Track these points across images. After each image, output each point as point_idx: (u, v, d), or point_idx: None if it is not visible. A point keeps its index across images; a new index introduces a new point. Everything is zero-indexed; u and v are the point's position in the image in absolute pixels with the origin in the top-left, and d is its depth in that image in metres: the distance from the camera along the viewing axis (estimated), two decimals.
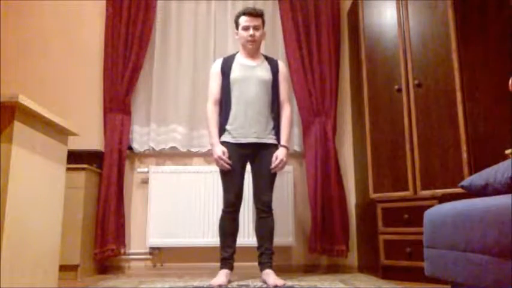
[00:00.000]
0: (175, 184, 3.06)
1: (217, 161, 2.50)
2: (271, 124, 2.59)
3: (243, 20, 2.60)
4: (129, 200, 3.17)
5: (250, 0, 3.38)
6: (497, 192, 1.61)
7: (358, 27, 3.01)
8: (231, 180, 2.51)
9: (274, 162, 2.51)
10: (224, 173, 2.53)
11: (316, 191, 3.03)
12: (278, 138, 2.61)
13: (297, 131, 3.28)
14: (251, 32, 2.58)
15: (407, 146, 2.61)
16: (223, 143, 2.54)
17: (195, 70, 3.30)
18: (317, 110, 3.17)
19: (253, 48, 2.62)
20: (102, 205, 2.96)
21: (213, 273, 2.84)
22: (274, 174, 2.58)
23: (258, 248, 2.54)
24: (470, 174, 2.34)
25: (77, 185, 2.78)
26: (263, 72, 2.62)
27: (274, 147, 2.58)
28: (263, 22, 2.66)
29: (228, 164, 2.48)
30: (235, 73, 2.59)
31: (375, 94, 2.82)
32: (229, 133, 2.55)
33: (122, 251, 2.98)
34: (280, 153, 2.53)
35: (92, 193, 2.96)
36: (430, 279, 2.34)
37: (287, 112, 2.65)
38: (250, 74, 2.59)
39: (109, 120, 3.12)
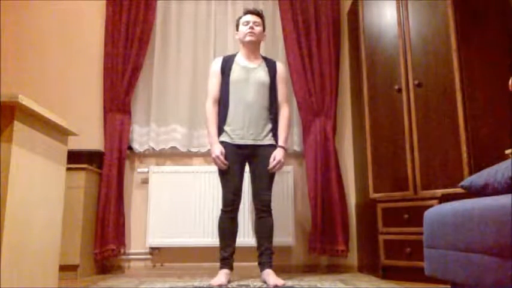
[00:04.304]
0: (175, 184, 3.06)
1: (214, 160, 2.51)
2: (269, 126, 2.60)
3: (244, 18, 2.68)
4: (129, 200, 3.17)
5: (251, 0, 3.39)
6: (497, 192, 1.61)
7: (358, 27, 3.01)
8: (229, 180, 2.51)
9: (272, 162, 2.52)
10: (222, 173, 2.53)
11: (316, 191, 3.03)
12: (276, 139, 2.62)
13: (297, 131, 3.28)
14: (250, 25, 2.62)
15: (407, 146, 2.61)
16: (221, 143, 2.55)
17: (195, 70, 3.31)
18: (317, 110, 3.17)
19: (252, 43, 2.64)
20: (102, 205, 2.96)
21: (213, 273, 2.83)
22: (273, 174, 2.58)
23: (258, 247, 2.54)
24: (470, 174, 2.34)
25: (77, 185, 2.78)
26: (262, 74, 2.63)
27: (273, 147, 2.58)
28: (263, 23, 2.70)
29: (224, 164, 2.49)
30: (234, 74, 2.61)
31: (375, 94, 2.82)
32: (227, 134, 2.56)
33: (122, 251, 2.98)
34: (277, 154, 2.54)
35: (92, 193, 2.96)
36: (430, 279, 2.34)
37: (285, 113, 2.66)
38: (249, 76, 2.60)
39: (109, 120, 3.12)
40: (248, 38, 2.63)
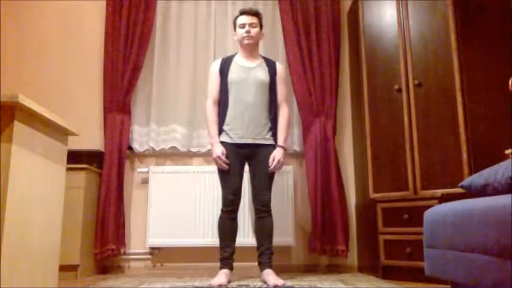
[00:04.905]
0: (175, 184, 3.06)
1: (215, 160, 2.51)
2: (268, 125, 2.60)
3: (240, 19, 2.67)
4: (129, 200, 3.17)
5: (251, 0, 3.38)
6: (497, 192, 1.61)
7: (358, 27, 3.01)
8: (229, 180, 2.51)
9: (272, 162, 2.52)
10: (222, 173, 2.54)
11: (316, 191, 3.03)
12: (276, 139, 2.62)
13: (297, 131, 3.27)
14: (247, 28, 2.61)
15: (407, 146, 2.61)
16: (221, 143, 2.55)
17: (195, 70, 3.31)
18: (317, 110, 3.17)
19: (250, 46, 2.64)
20: (102, 205, 2.96)
21: (213, 273, 2.83)
22: (273, 174, 2.59)
23: (258, 247, 2.55)
24: (470, 174, 2.34)
25: (77, 185, 2.78)
26: (261, 73, 2.63)
27: (272, 147, 2.59)
28: (260, 22, 2.69)
29: (226, 164, 2.49)
30: (233, 75, 2.61)
31: (375, 94, 2.82)
32: (227, 134, 2.56)
33: (122, 251, 2.98)
34: (277, 154, 2.54)
35: (92, 193, 2.96)
36: (430, 279, 2.34)
37: (285, 113, 2.66)
38: (248, 75, 2.60)
39: (109, 120, 3.12)
40: (245, 42, 2.63)
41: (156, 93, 3.25)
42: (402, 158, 2.62)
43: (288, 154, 3.21)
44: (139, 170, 3.16)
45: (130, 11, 3.25)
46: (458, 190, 2.32)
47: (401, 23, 2.75)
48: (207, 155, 3.24)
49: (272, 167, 2.52)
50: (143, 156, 3.26)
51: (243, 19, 2.64)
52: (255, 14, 2.67)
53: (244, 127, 2.55)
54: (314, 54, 3.23)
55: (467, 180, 1.78)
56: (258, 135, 2.56)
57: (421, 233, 2.36)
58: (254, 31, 2.64)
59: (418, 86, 2.61)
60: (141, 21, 3.23)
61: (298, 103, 3.18)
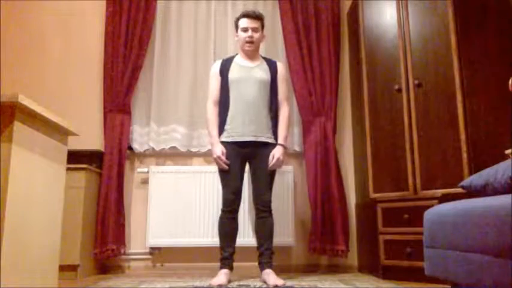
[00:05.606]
0: (175, 184, 3.06)
1: (216, 161, 2.51)
2: (269, 124, 2.60)
3: (242, 22, 2.65)
4: (129, 200, 3.17)
5: (251, 0, 3.38)
6: (497, 192, 1.61)
7: (358, 27, 3.01)
8: (230, 180, 2.51)
9: (271, 161, 2.52)
10: (223, 173, 2.54)
11: (316, 191, 3.03)
12: (276, 138, 2.62)
13: (297, 130, 3.28)
14: (249, 33, 2.61)
15: (407, 146, 2.61)
16: (222, 143, 2.55)
17: (195, 70, 3.30)
18: (317, 110, 3.17)
19: (251, 50, 2.64)
20: (102, 205, 2.96)
21: (213, 273, 2.83)
22: (273, 174, 2.58)
23: (258, 247, 2.55)
24: (470, 174, 2.34)
25: (77, 185, 2.78)
26: (261, 72, 2.63)
27: (273, 146, 2.59)
28: (262, 25, 2.69)
29: (226, 163, 2.49)
30: (233, 74, 2.61)
31: (375, 94, 2.82)
32: (228, 133, 2.56)
33: (122, 251, 2.98)
34: (276, 152, 2.54)
35: (92, 193, 2.96)
36: (430, 279, 2.34)
37: (285, 111, 2.66)
38: (248, 74, 2.60)
39: (109, 120, 3.12)
40: (247, 48, 2.63)
41: (156, 93, 3.25)
42: (402, 158, 2.62)
43: (288, 154, 3.21)
44: (139, 170, 3.16)
45: (131, 11, 3.25)
46: (458, 190, 2.31)
47: (401, 23, 2.75)
48: (207, 155, 3.24)
49: (271, 165, 2.52)
50: (143, 156, 3.26)
51: (246, 23, 2.63)
52: (258, 17, 2.65)
53: (245, 126, 2.54)
54: (314, 54, 3.23)
55: (467, 180, 1.78)
56: (259, 133, 2.56)
57: (421, 233, 2.36)
58: (256, 36, 2.64)
59: (418, 86, 2.61)
60: (141, 21, 3.23)
61: (298, 103, 3.18)
